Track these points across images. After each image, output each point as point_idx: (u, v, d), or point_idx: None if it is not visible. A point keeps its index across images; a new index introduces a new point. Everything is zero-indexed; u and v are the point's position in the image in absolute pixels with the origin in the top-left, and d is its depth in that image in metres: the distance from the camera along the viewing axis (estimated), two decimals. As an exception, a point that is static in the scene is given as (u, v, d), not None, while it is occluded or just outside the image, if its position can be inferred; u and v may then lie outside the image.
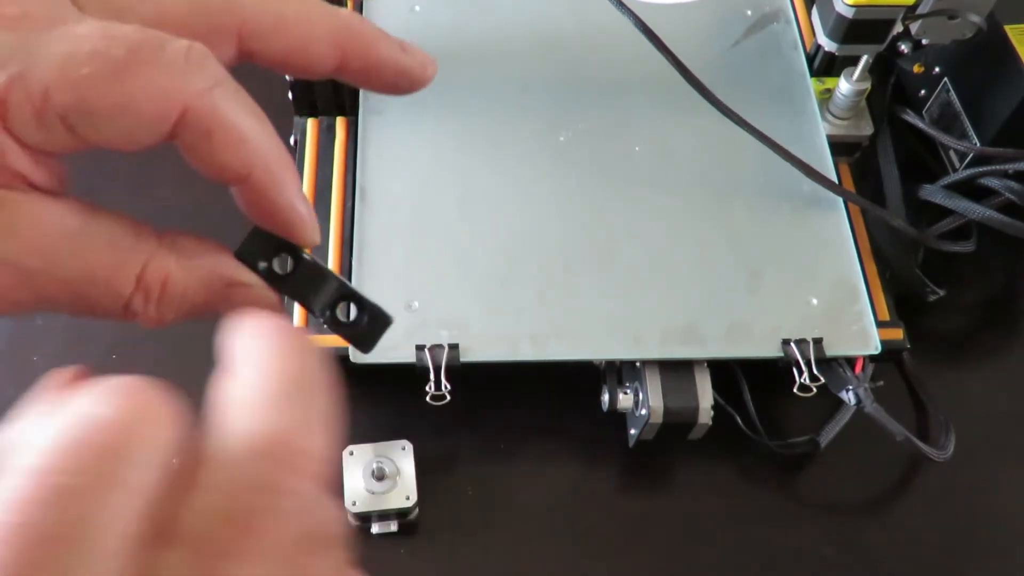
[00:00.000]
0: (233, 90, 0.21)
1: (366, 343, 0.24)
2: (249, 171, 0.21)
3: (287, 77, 0.56)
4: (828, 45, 0.58)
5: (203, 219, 0.63)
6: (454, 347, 0.48)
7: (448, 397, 0.48)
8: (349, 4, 0.59)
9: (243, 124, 0.21)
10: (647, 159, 0.56)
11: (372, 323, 0.24)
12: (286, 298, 0.23)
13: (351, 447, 0.49)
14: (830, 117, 0.59)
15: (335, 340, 0.24)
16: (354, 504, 0.48)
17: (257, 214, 0.22)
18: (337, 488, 0.48)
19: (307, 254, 0.23)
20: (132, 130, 0.20)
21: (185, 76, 0.20)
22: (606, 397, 0.51)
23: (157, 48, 0.20)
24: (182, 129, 0.20)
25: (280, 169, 0.22)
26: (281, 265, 0.23)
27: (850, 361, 0.50)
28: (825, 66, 0.60)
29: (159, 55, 0.20)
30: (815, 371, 0.49)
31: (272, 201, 0.22)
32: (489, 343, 0.49)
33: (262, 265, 0.23)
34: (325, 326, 0.23)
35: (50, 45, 0.19)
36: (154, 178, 0.61)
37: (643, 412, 0.49)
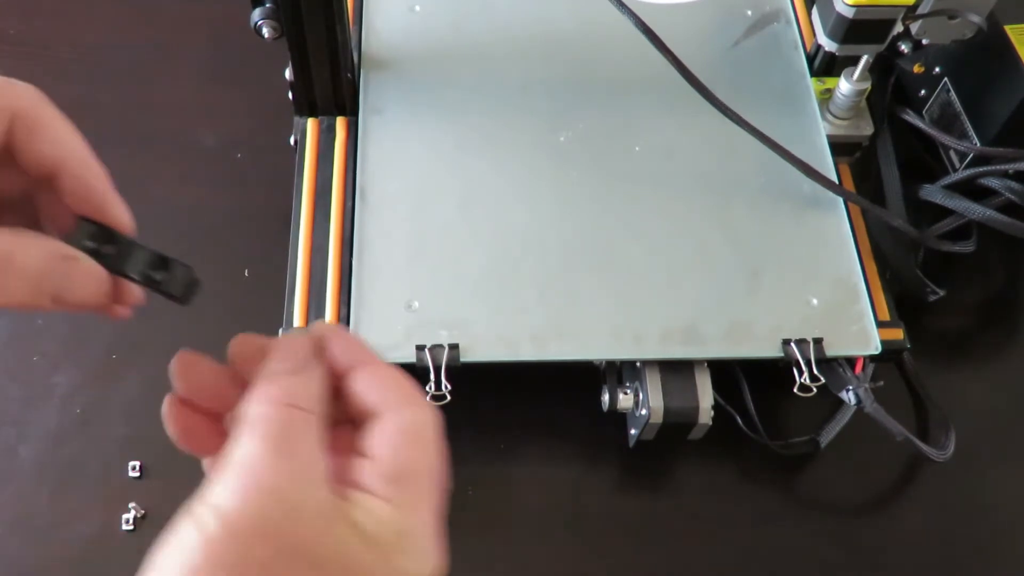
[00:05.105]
0: (49, 102, 0.28)
1: (178, 290, 0.30)
2: (64, 161, 0.28)
3: (287, 76, 0.56)
4: (828, 45, 0.58)
5: (199, 218, 0.63)
6: (454, 347, 0.48)
7: (448, 397, 0.48)
8: (349, 4, 0.59)
9: (59, 125, 0.28)
10: (647, 159, 0.56)
11: (182, 275, 0.30)
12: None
13: (351, 447, 0.49)
14: (830, 117, 0.59)
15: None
16: (354, 504, 0.48)
17: (76, 200, 0.29)
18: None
19: (123, 234, 0.29)
20: None
21: (12, 88, 0.28)
22: (606, 397, 0.51)
23: None
24: (12, 128, 0.27)
25: (89, 161, 0.29)
26: (102, 244, 0.29)
27: (850, 361, 0.50)
28: (825, 66, 0.60)
29: None
30: (815, 371, 0.49)
31: (86, 186, 0.28)
32: (489, 343, 0.49)
33: (88, 245, 0.28)
34: (143, 287, 0.30)
35: None
36: (152, 179, 0.61)
37: (643, 412, 0.49)
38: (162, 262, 0.29)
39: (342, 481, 0.27)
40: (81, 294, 0.28)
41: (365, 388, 0.29)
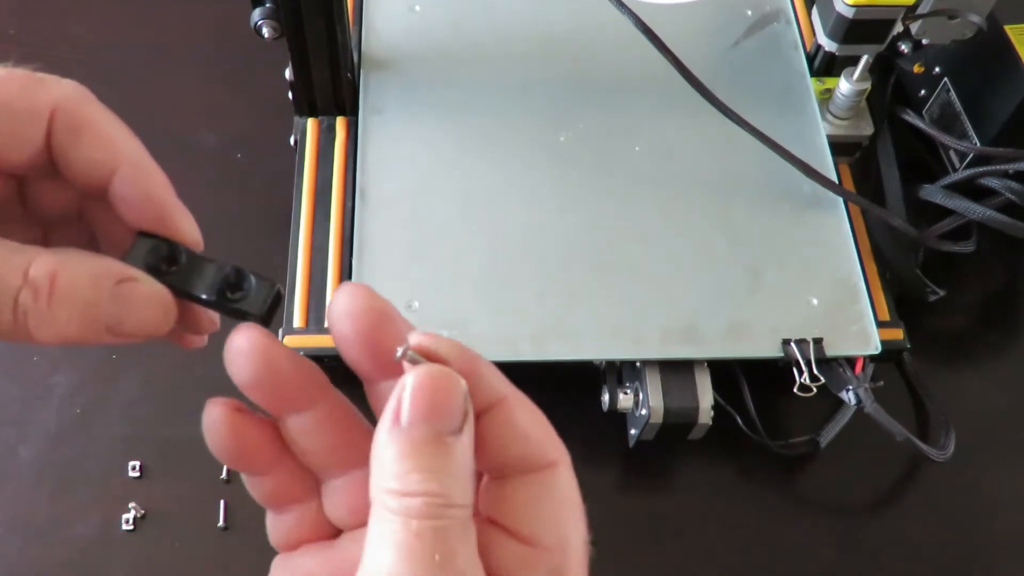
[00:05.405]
0: (95, 100, 0.24)
1: (257, 309, 0.24)
2: (116, 165, 0.24)
3: (287, 76, 0.55)
4: (828, 45, 0.58)
5: (199, 219, 0.62)
6: (454, 347, 0.48)
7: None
8: (349, 4, 0.59)
9: (107, 124, 0.24)
10: (647, 159, 0.56)
11: (261, 290, 0.25)
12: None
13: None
14: (830, 117, 0.59)
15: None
16: (354, 504, 0.48)
17: (133, 212, 0.24)
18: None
19: (190, 249, 0.25)
20: (10, 128, 0.23)
21: (52, 85, 0.24)
22: (606, 397, 0.51)
23: (29, 74, 0.24)
24: (54, 128, 0.23)
25: (146, 164, 0.24)
26: (166, 262, 0.24)
27: (850, 361, 0.50)
28: (825, 66, 0.60)
29: (31, 77, 0.24)
30: (815, 371, 0.49)
31: (143, 193, 0.24)
32: (489, 343, 0.49)
33: (148, 263, 0.24)
34: (216, 308, 0.25)
35: None
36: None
37: (643, 412, 0.49)
38: (237, 277, 0.25)
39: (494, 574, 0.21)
40: (143, 322, 0.23)
41: (513, 437, 0.23)
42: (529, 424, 0.23)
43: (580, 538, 0.23)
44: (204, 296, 0.24)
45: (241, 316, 0.24)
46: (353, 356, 0.23)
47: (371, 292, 0.23)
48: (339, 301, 0.23)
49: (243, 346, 0.23)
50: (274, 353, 0.23)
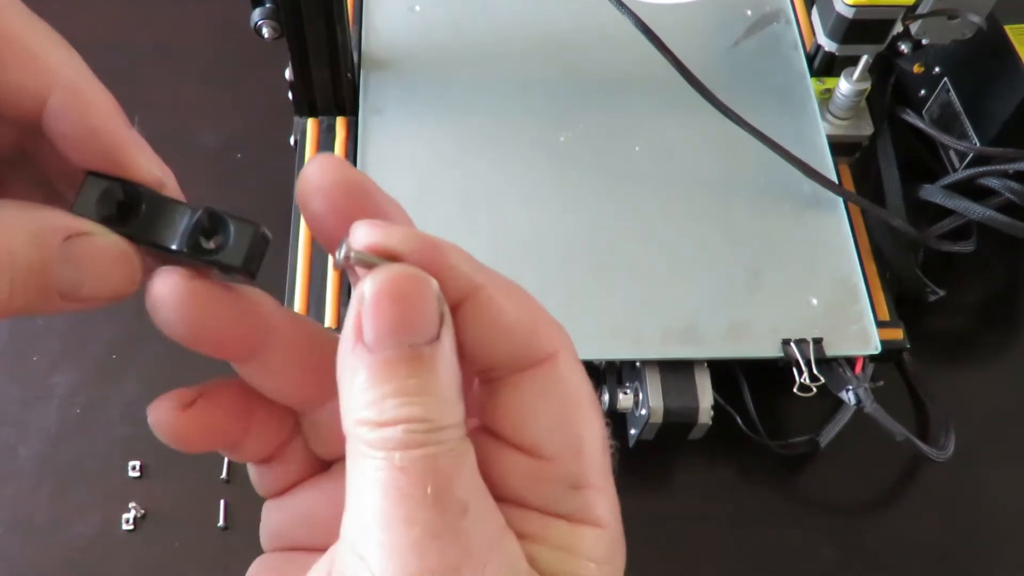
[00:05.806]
0: (19, 5, 0.19)
1: (239, 260, 0.20)
2: (47, 91, 0.19)
3: (287, 76, 0.55)
4: (828, 45, 0.58)
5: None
6: (454, 347, 0.48)
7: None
8: (350, 4, 0.59)
9: (34, 37, 0.19)
10: (647, 159, 0.56)
11: (239, 235, 0.20)
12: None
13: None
14: (830, 117, 0.59)
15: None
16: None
17: (74, 148, 0.19)
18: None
19: (151, 189, 0.20)
20: None
21: None
22: (606, 397, 0.51)
23: None
24: None
25: (85, 87, 0.19)
26: (123, 208, 0.20)
27: (850, 361, 0.50)
28: (825, 66, 0.60)
29: None
30: (815, 371, 0.49)
31: (82, 125, 0.19)
32: (489, 343, 0.49)
33: (103, 213, 0.20)
34: (190, 261, 0.20)
35: None
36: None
37: (643, 412, 0.49)
38: (212, 222, 0.20)
39: (502, 496, 0.18)
40: (102, 283, 0.19)
41: (496, 331, 0.19)
42: (514, 314, 0.20)
43: (596, 438, 0.19)
44: (173, 247, 0.20)
45: (220, 268, 0.20)
46: (328, 240, 0.19)
47: (344, 163, 0.19)
48: (308, 175, 0.19)
49: (163, 293, 0.19)
50: (203, 294, 0.19)
